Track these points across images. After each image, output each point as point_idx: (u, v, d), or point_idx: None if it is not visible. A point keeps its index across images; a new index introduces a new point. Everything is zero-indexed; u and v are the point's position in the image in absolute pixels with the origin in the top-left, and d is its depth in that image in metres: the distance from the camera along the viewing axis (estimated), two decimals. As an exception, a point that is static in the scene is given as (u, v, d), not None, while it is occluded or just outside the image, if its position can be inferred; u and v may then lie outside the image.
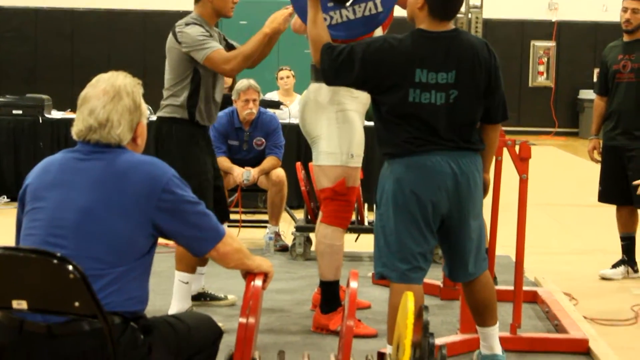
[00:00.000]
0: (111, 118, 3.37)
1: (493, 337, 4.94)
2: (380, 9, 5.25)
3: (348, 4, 5.21)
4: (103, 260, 3.25)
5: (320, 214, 5.70)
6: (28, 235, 3.35)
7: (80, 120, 3.40)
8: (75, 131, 3.41)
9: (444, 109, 4.55)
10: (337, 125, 5.54)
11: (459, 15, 5.65)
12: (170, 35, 5.70)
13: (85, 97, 3.42)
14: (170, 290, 5.76)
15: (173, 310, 5.59)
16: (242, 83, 8.23)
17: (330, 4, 5.20)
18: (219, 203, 5.81)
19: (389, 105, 4.60)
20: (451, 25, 4.66)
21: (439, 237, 4.75)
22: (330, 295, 5.66)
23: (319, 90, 5.56)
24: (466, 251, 4.74)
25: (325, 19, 5.06)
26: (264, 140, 8.38)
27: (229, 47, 5.87)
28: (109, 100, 3.38)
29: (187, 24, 5.64)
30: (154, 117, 5.99)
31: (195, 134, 5.69)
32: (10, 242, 3.48)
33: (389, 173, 4.64)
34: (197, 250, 3.50)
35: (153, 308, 3.45)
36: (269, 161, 8.28)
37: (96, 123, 3.36)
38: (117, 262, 3.27)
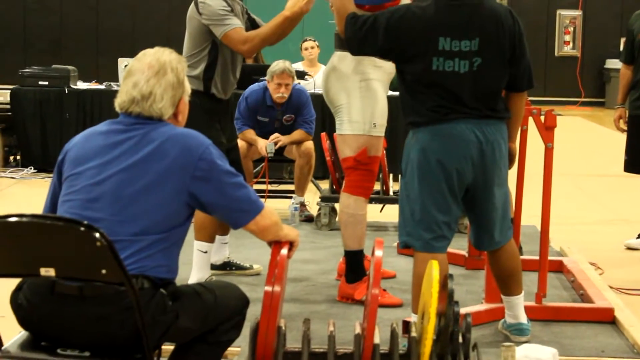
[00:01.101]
0: (154, 92, 3.42)
1: (518, 306, 4.94)
2: None
3: None
4: (137, 227, 3.29)
5: (344, 183, 5.71)
6: (66, 202, 3.39)
7: (123, 92, 3.45)
8: (118, 102, 3.46)
9: (468, 77, 4.54)
10: (360, 95, 5.52)
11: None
12: (192, 5, 5.68)
13: (130, 70, 3.47)
14: (184, 260, 5.80)
15: (193, 279, 5.61)
16: (277, 65, 8.14)
17: None
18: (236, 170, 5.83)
19: (413, 74, 4.60)
20: None
21: (465, 206, 4.75)
22: (354, 265, 5.67)
23: (343, 59, 5.55)
24: (491, 220, 4.75)
25: None
26: (293, 116, 8.36)
27: (251, 22, 5.86)
28: (153, 74, 3.43)
29: None
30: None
31: (208, 106, 5.66)
32: (38, 211, 3.50)
33: (414, 142, 4.64)
34: (236, 223, 3.52)
35: (178, 277, 3.47)
36: (298, 133, 8.27)
37: (139, 95, 3.41)
38: (150, 230, 3.31)
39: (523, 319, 4.96)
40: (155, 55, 3.49)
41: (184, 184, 3.36)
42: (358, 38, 4.69)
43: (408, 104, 4.67)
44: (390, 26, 4.58)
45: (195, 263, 5.76)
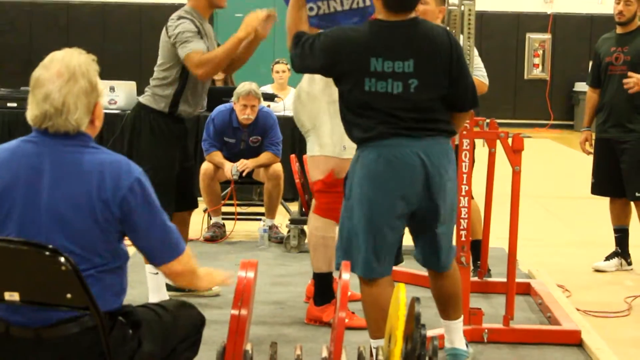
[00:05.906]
0: (67, 102, 3.19)
1: (455, 330, 4.88)
2: (368, 2, 5.09)
3: None
4: (78, 257, 3.13)
5: (313, 204, 5.71)
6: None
7: (34, 105, 3.22)
8: (30, 117, 3.25)
9: (403, 97, 4.46)
10: (329, 117, 5.52)
11: (451, 7, 5.58)
12: (164, 29, 5.74)
13: (38, 79, 3.22)
14: (140, 280, 5.87)
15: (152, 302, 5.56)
16: (243, 87, 8.17)
17: None
18: (185, 192, 5.93)
19: (347, 93, 4.56)
20: (411, 15, 4.56)
21: (410, 230, 4.70)
22: (323, 288, 5.66)
23: (312, 82, 5.55)
24: (438, 244, 4.66)
25: (312, 9, 5.01)
26: (260, 138, 8.37)
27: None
28: (64, 83, 3.19)
29: (179, 18, 5.68)
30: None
31: (171, 127, 5.75)
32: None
33: (359, 165, 4.54)
34: (153, 260, 3.40)
35: (127, 298, 3.40)
36: (265, 155, 8.29)
37: (52, 109, 3.19)
38: (91, 259, 3.19)
39: (459, 343, 4.88)
40: (63, 62, 3.23)
41: (113, 213, 3.21)
42: (299, 56, 4.67)
43: (349, 123, 4.62)
44: (325, 46, 4.55)
45: (150, 287, 5.74)
